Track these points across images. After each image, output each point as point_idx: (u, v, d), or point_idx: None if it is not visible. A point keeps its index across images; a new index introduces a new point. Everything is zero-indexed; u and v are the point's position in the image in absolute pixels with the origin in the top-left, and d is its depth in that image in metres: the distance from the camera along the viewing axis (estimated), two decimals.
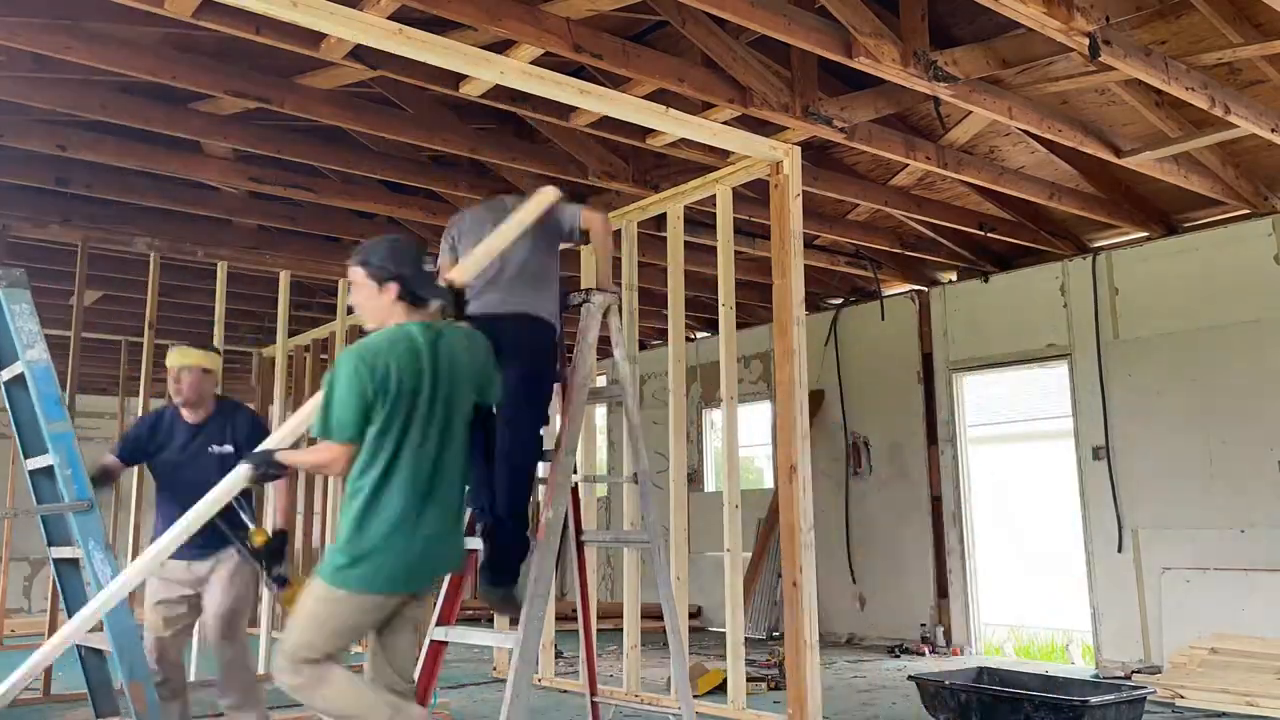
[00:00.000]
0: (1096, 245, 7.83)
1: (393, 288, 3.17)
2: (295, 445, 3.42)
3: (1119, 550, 7.35)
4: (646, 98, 5.00)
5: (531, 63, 4.57)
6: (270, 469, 3.21)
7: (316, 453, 3.12)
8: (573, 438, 3.97)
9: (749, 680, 5.88)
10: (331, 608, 3.02)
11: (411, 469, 3.06)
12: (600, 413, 11.69)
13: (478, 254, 3.71)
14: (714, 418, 10.76)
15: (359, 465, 3.04)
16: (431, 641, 3.87)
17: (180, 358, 4.26)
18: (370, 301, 3.21)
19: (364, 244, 3.31)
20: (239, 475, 3.21)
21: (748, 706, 5.49)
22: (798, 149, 5.54)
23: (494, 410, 3.65)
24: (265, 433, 4.24)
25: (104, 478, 4.18)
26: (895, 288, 9.16)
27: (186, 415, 4.29)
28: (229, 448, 4.21)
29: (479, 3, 4.17)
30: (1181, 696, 5.84)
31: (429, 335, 3.17)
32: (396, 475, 3.03)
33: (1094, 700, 4.63)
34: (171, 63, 4.87)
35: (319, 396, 3.11)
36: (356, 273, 3.22)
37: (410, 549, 3.04)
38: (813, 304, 9.61)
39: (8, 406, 3.95)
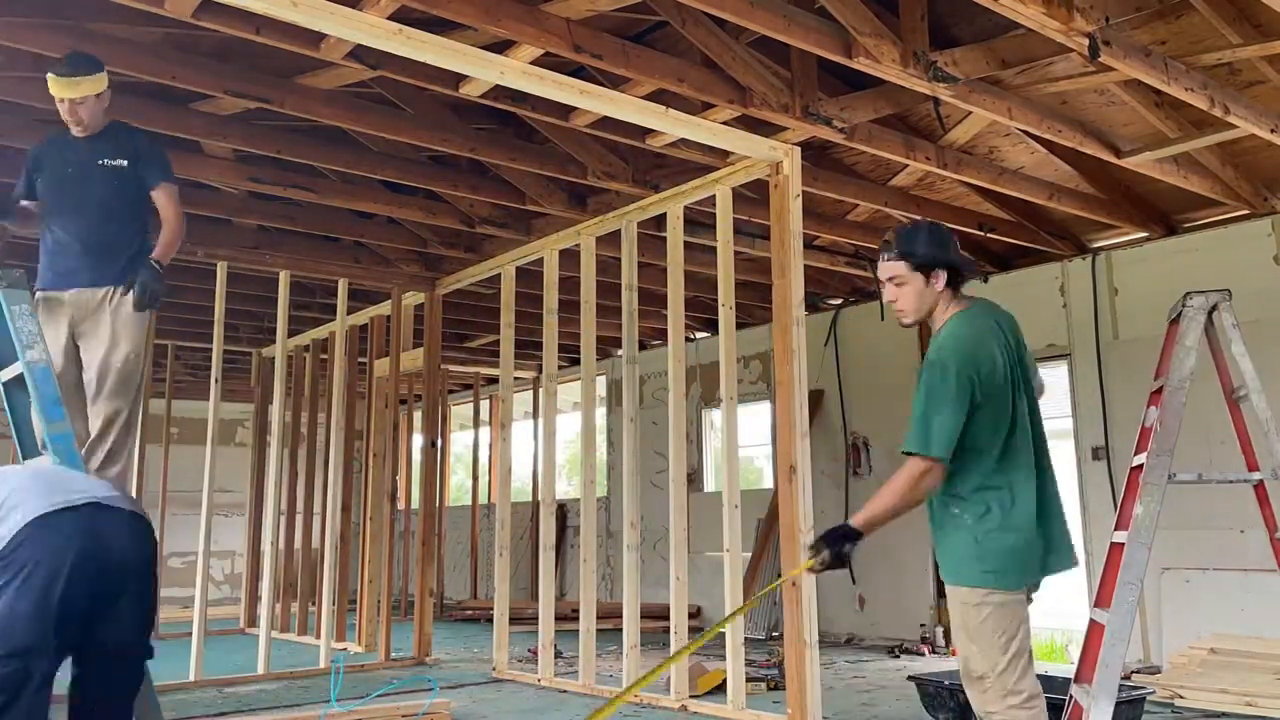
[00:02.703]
0: (1096, 245, 7.83)
1: (942, 275, 3.00)
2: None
3: None
4: (646, 98, 5.01)
5: (531, 63, 4.58)
6: (846, 543, 2.86)
7: (909, 476, 2.83)
8: (1168, 439, 4.01)
9: (749, 680, 5.89)
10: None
11: (1025, 455, 2.92)
12: (600, 413, 11.69)
13: None
14: (714, 418, 10.75)
15: (981, 470, 2.89)
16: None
17: (75, 89, 4.10)
18: (920, 295, 3.03)
19: (893, 234, 3.08)
20: None
21: (748, 706, 5.50)
22: (797, 149, 5.54)
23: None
24: (160, 151, 4.30)
25: (24, 217, 4.35)
26: None
27: (76, 132, 4.25)
28: (123, 161, 4.20)
29: (479, 3, 4.17)
30: (1181, 697, 5.83)
31: (994, 317, 3.05)
32: (1020, 466, 2.90)
33: None
34: (171, 63, 4.87)
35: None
36: (897, 266, 3.02)
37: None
38: (813, 304, 9.61)
39: (6, 408, 3.93)
